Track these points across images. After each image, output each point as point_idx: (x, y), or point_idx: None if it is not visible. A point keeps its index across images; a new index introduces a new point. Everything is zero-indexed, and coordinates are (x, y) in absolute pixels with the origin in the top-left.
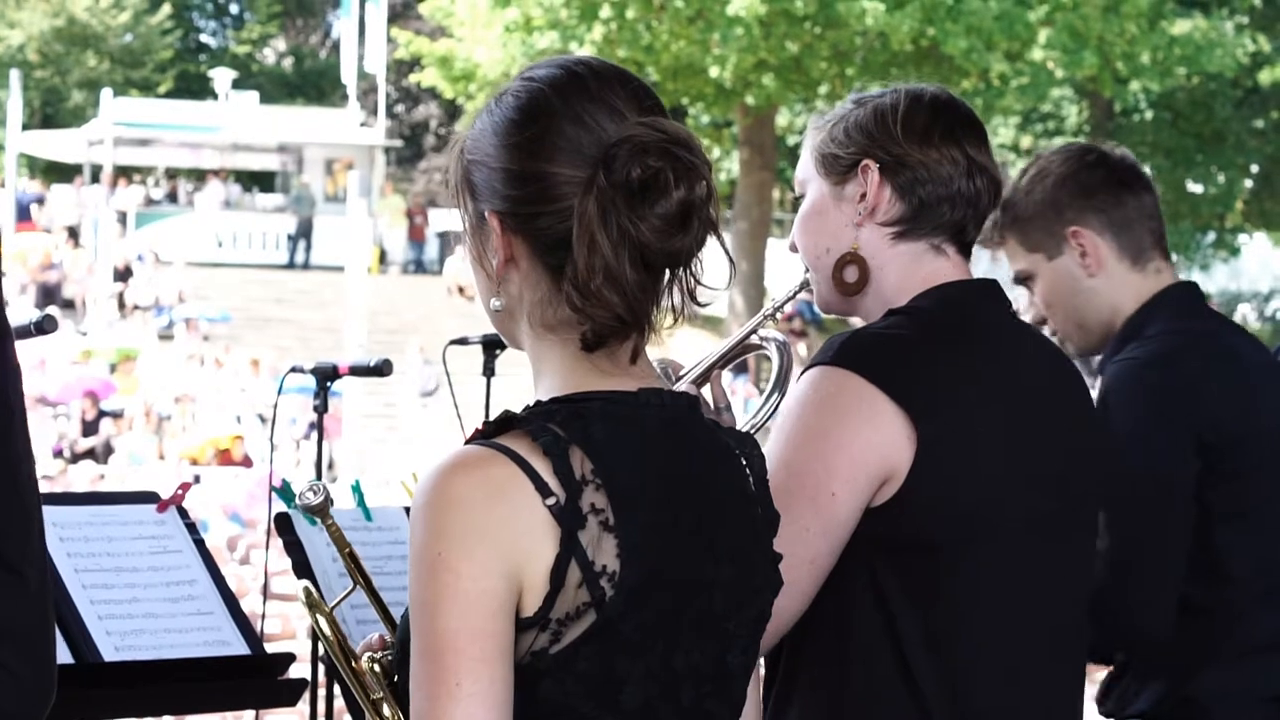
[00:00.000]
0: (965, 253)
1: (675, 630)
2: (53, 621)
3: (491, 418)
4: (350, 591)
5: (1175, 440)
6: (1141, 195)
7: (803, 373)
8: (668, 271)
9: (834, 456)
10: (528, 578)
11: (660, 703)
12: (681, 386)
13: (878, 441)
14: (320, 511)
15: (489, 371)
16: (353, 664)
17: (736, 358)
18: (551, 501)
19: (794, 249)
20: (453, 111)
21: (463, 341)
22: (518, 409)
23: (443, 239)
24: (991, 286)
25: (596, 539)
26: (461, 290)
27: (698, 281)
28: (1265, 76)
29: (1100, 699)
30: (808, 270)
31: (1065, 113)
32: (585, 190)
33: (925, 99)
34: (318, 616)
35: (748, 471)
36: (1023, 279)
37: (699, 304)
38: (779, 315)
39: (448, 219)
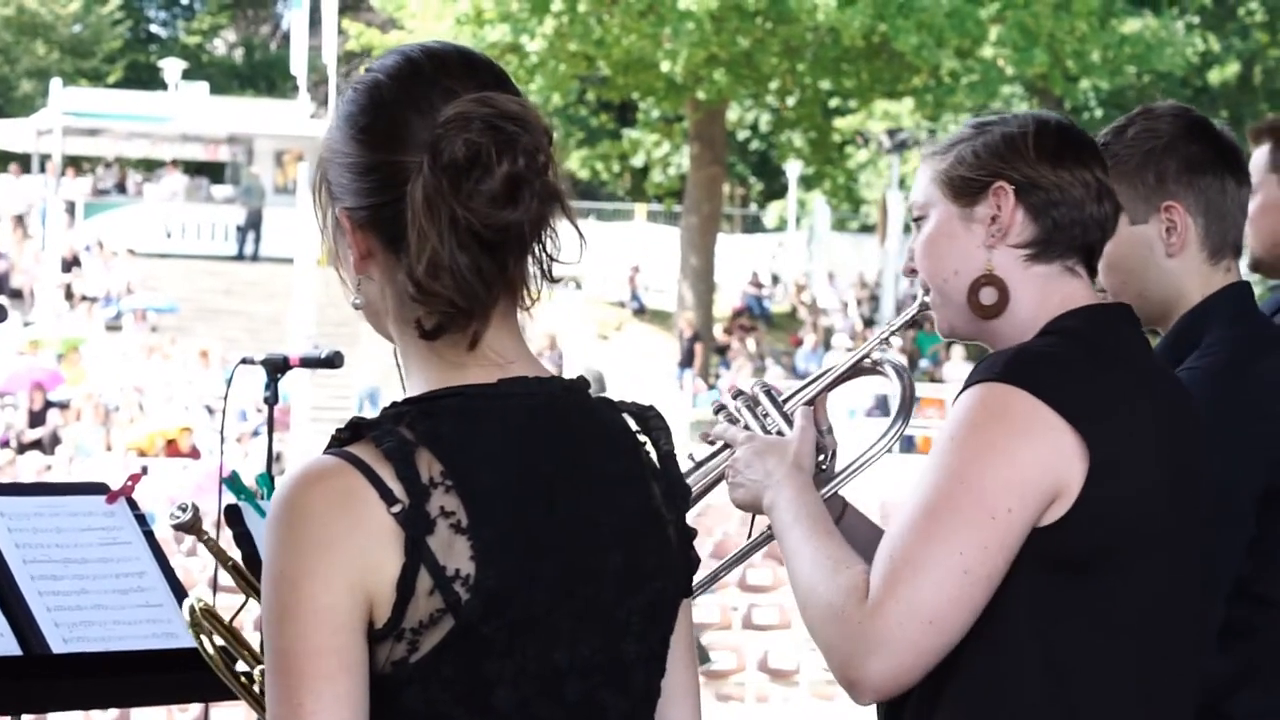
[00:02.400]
0: (1093, 276)
1: (553, 625)
2: None
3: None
4: (242, 606)
5: (1246, 454)
6: (1243, 187)
7: (964, 389)
8: (516, 250)
9: (1010, 473)
10: (376, 589)
11: (540, 701)
12: (790, 406)
13: (1051, 460)
14: (192, 529)
15: None
16: (240, 679)
17: (846, 380)
18: (396, 509)
19: (911, 273)
20: None
21: None
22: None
23: None
24: (1128, 311)
25: (448, 543)
26: None
27: (551, 257)
28: (1215, 76)
29: None
30: (928, 293)
31: (1016, 109)
32: (415, 175)
33: (1052, 123)
34: (202, 638)
35: (649, 449)
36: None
37: (552, 280)
38: (890, 339)
39: None
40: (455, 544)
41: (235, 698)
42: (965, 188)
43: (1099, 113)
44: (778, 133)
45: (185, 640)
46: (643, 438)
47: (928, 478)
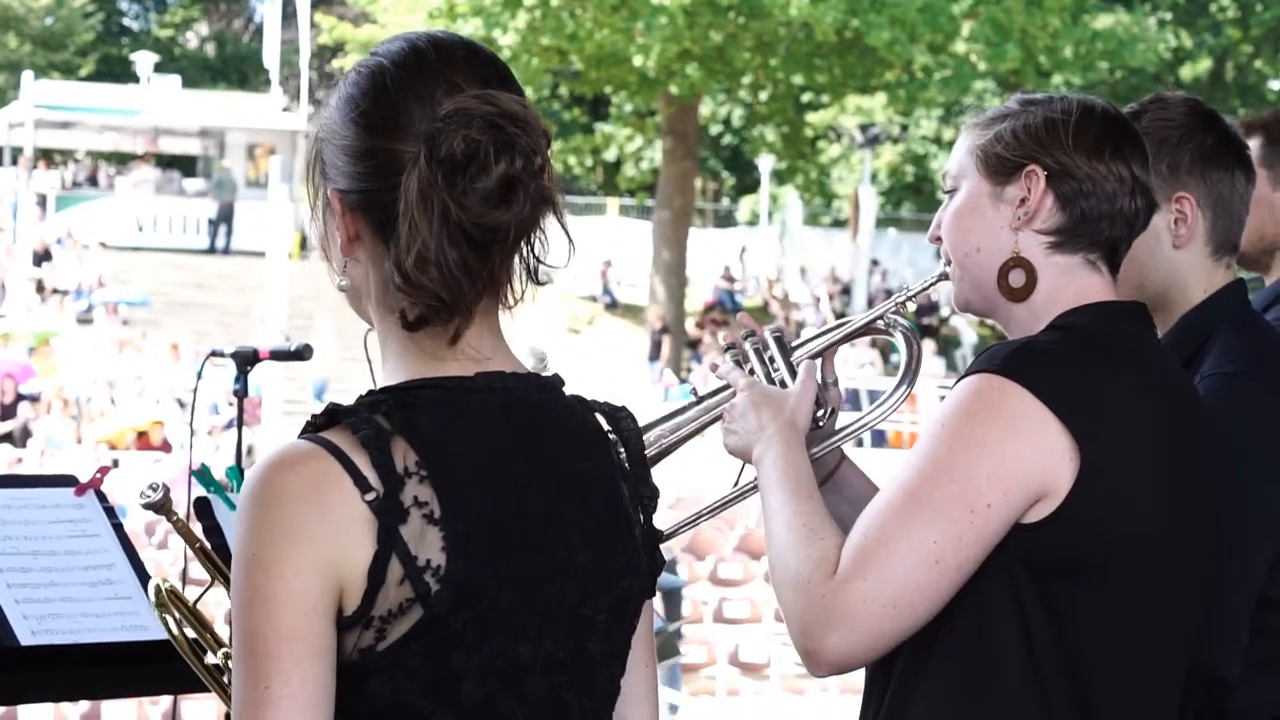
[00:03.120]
0: (1115, 272)
1: (519, 620)
2: None
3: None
4: (208, 587)
5: (1273, 463)
6: (1250, 184)
7: (962, 377)
8: (504, 249)
9: (995, 467)
10: (347, 576)
11: (504, 696)
12: (798, 356)
13: (1040, 459)
14: (162, 509)
15: None
16: (203, 662)
17: (857, 337)
18: (370, 497)
19: (936, 240)
20: None
21: None
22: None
23: None
24: (1141, 311)
25: (420, 533)
26: None
27: (538, 259)
28: (1187, 71)
29: None
30: (949, 263)
31: (988, 105)
32: (410, 166)
33: (1097, 111)
34: (166, 617)
35: (620, 449)
36: None
37: (539, 282)
38: (909, 304)
39: None
40: (427, 535)
41: (205, 689)
42: (1000, 166)
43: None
44: (750, 127)
45: (155, 633)
46: (614, 437)
47: (913, 460)
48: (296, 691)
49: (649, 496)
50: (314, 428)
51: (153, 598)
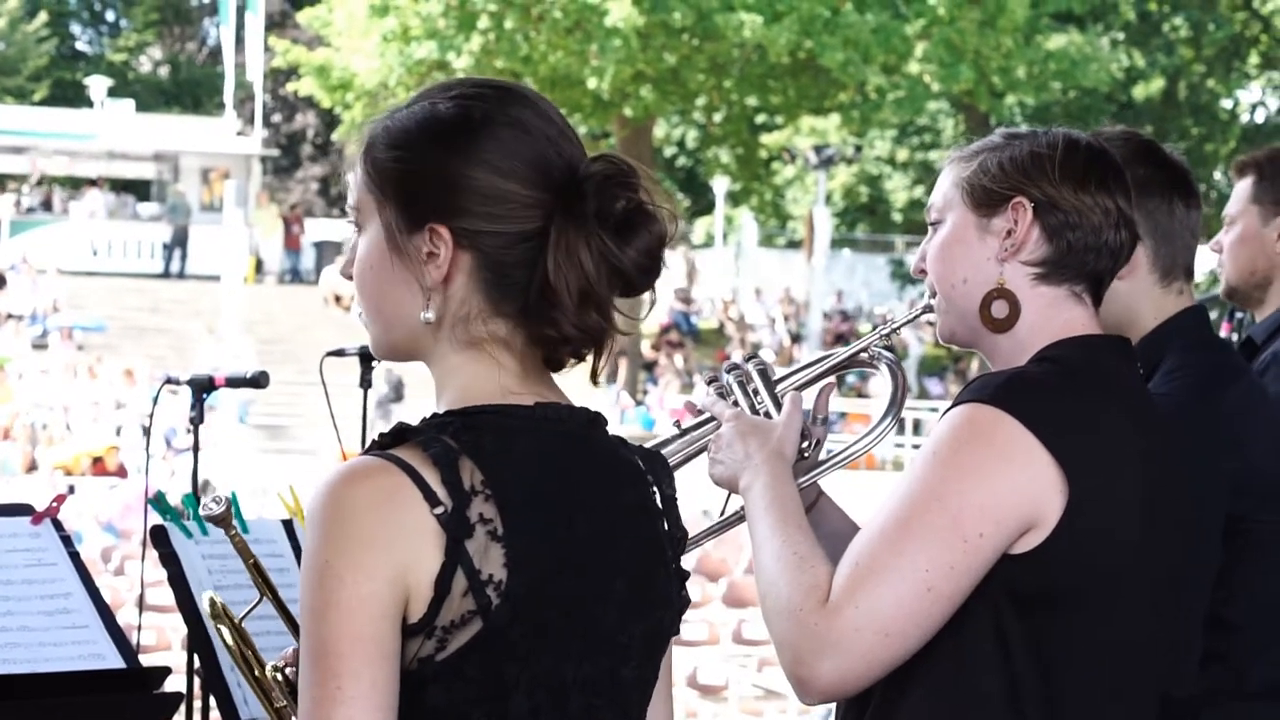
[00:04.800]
0: (1098, 304)
1: (564, 641)
2: None
3: (387, 429)
4: (257, 603)
5: (1216, 482)
6: (1192, 210)
7: (952, 406)
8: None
9: (988, 497)
10: (414, 585)
11: (548, 711)
12: (783, 388)
13: (1031, 489)
14: (223, 522)
15: (365, 383)
16: (255, 674)
17: (842, 370)
18: (440, 511)
19: (920, 273)
20: (330, 121)
21: (339, 353)
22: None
23: (319, 248)
24: (1125, 345)
25: (484, 548)
26: (338, 300)
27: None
28: (1139, 91)
29: None
30: (934, 295)
31: (941, 125)
32: (567, 215)
33: (1082, 144)
34: (220, 628)
35: (654, 489)
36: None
37: (622, 333)
38: (891, 336)
39: (324, 228)
40: (491, 550)
41: (163, 717)
42: (986, 198)
43: (1024, 129)
44: (705, 149)
45: (112, 661)
46: (650, 478)
47: (904, 488)
48: (368, 691)
49: (680, 538)
50: (380, 446)
51: (206, 608)
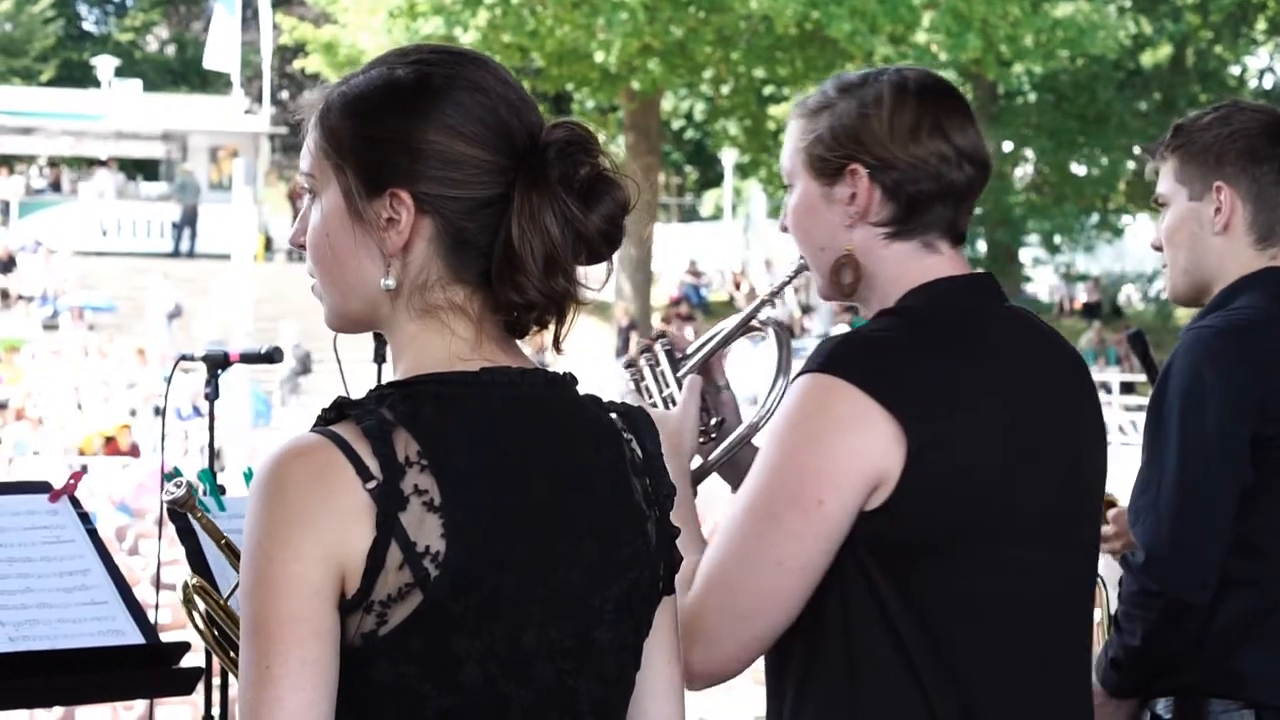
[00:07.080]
0: (958, 243)
1: (521, 608)
2: None
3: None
4: (234, 590)
5: (1229, 403)
6: None
7: (794, 378)
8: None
9: (823, 464)
10: (346, 561)
11: (506, 681)
12: (686, 368)
13: (868, 449)
14: (186, 505)
15: (380, 358)
16: (231, 655)
17: (736, 338)
18: (371, 485)
19: (784, 230)
20: None
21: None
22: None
23: None
24: (984, 280)
25: (420, 520)
26: None
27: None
28: (1147, 59)
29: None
30: (802, 257)
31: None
32: (530, 180)
33: (910, 89)
34: (193, 612)
35: (634, 446)
36: (1161, 202)
37: (583, 302)
38: (775, 300)
39: None
40: (427, 521)
41: (182, 692)
42: (824, 167)
43: (1032, 97)
44: (712, 121)
45: (132, 637)
46: (628, 435)
47: (753, 471)
48: (296, 670)
49: (666, 494)
50: (323, 421)
51: (180, 594)
